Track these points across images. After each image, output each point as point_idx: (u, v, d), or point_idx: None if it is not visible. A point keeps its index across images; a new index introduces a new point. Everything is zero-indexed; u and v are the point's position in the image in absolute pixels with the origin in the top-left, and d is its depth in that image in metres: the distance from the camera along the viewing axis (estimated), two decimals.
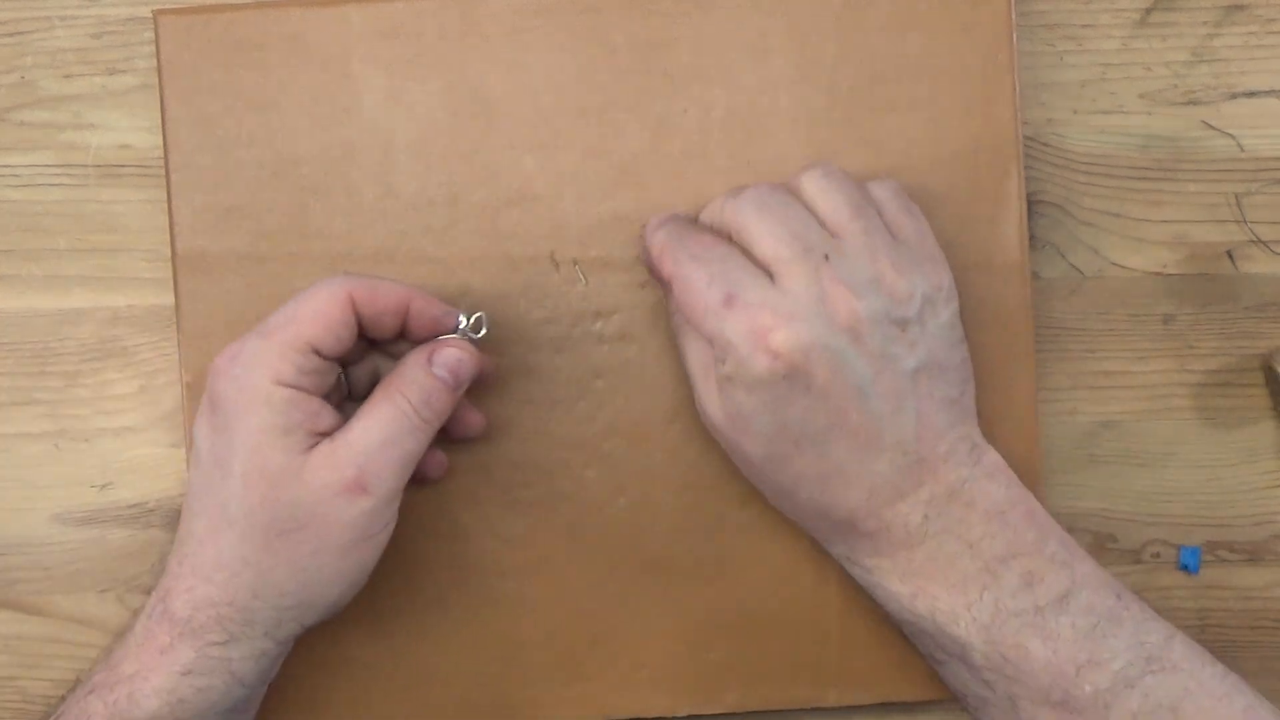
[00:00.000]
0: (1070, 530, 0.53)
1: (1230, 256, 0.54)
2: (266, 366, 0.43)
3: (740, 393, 0.45)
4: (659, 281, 0.48)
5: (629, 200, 0.51)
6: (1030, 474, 0.50)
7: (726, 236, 0.47)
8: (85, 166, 0.54)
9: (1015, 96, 0.51)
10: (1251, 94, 0.54)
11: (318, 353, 0.44)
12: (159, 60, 0.50)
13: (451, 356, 0.46)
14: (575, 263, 0.51)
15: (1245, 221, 0.54)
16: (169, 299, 0.53)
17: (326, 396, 0.46)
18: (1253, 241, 0.54)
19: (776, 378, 0.44)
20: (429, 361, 0.46)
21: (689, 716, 0.52)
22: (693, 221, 0.49)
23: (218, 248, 0.50)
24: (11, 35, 0.54)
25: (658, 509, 0.51)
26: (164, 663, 0.44)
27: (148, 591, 0.53)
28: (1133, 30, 0.54)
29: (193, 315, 0.50)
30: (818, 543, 0.49)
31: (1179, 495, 0.54)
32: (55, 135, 0.54)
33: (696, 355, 0.47)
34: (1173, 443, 0.54)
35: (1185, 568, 0.54)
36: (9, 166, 0.54)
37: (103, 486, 0.54)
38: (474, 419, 0.50)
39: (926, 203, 0.50)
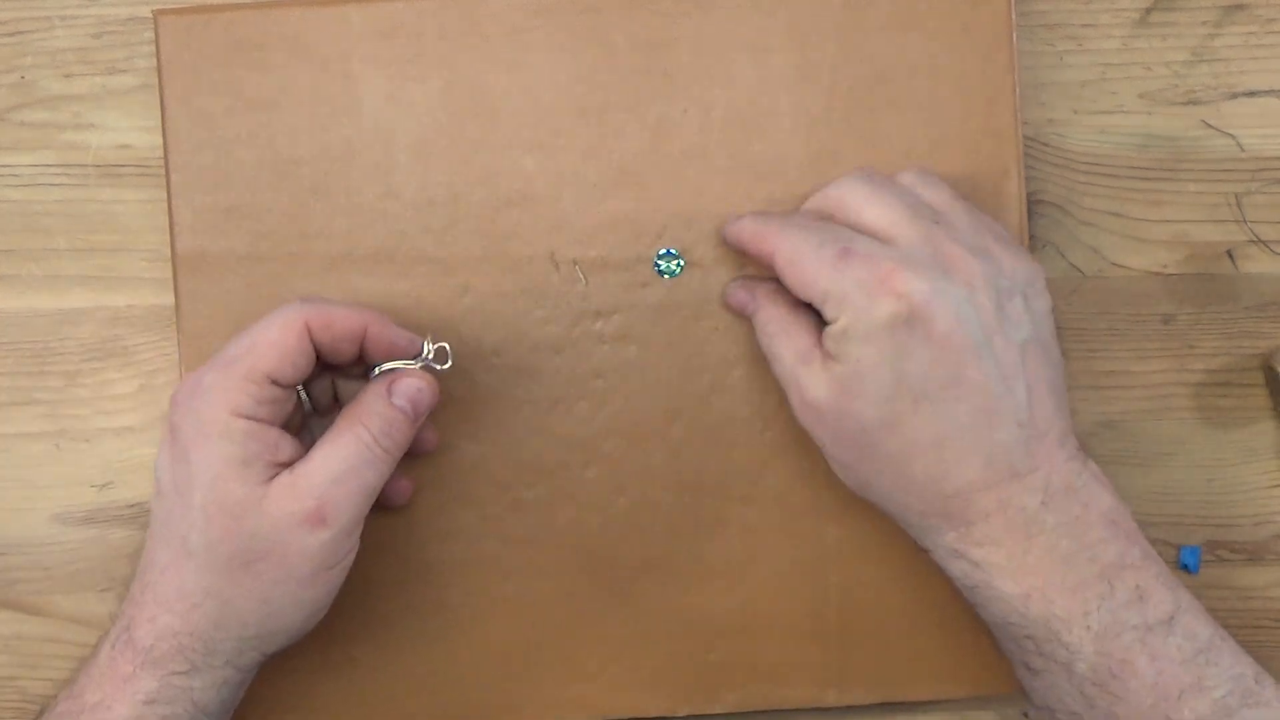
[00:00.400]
0: None
1: (1230, 256, 0.54)
2: (224, 399, 0.43)
3: (857, 346, 0.44)
4: (758, 261, 0.48)
5: (629, 200, 0.51)
6: None
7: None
8: (85, 166, 0.54)
9: (1015, 96, 0.50)
10: (1251, 94, 0.54)
11: (275, 383, 0.44)
12: (159, 60, 0.50)
13: (411, 387, 0.46)
14: (575, 263, 0.51)
15: (1245, 221, 0.54)
16: (169, 299, 0.53)
17: (288, 419, 0.46)
18: (1253, 241, 0.54)
19: (899, 322, 0.43)
20: (389, 392, 0.46)
21: (689, 716, 0.52)
22: None
23: (218, 248, 0.50)
24: (11, 35, 0.54)
25: (658, 509, 0.51)
26: (127, 692, 0.44)
27: None
28: (1133, 30, 0.54)
29: (193, 315, 0.50)
30: (914, 539, 0.47)
31: (1179, 495, 0.54)
32: (55, 135, 0.54)
33: (792, 347, 0.46)
34: (1173, 443, 0.54)
35: (1185, 568, 0.54)
36: (9, 166, 0.54)
37: (103, 486, 0.54)
38: (428, 437, 0.50)
39: None
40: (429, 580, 0.51)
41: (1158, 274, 0.54)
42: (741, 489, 0.51)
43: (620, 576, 0.51)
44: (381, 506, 0.49)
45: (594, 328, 0.51)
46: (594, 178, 0.51)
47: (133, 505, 0.54)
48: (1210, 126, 0.54)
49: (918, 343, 0.43)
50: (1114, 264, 0.54)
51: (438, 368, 0.47)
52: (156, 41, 0.50)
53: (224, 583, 0.44)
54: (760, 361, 0.49)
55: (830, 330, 0.45)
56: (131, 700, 0.44)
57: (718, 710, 0.52)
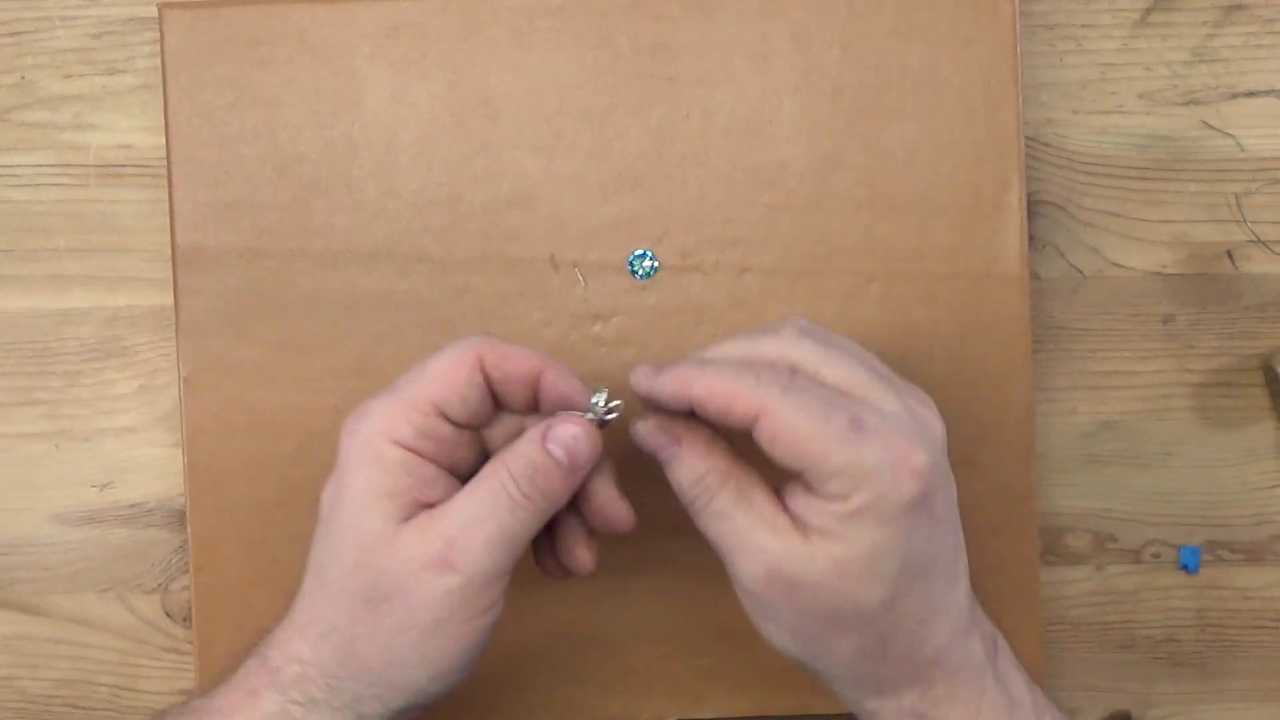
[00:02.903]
0: (1070, 530, 0.54)
1: (1230, 256, 0.54)
2: (385, 425, 0.42)
3: (874, 528, 0.40)
4: (718, 420, 0.42)
5: (630, 203, 0.51)
6: (1025, 483, 0.50)
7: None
8: (85, 166, 0.54)
9: (1018, 107, 0.50)
10: (1251, 94, 0.54)
11: (445, 416, 0.42)
12: (163, 54, 0.50)
13: (565, 433, 0.42)
14: (575, 265, 0.51)
15: (1245, 221, 0.54)
16: (169, 299, 0.53)
17: (458, 464, 0.44)
18: (1253, 241, 0.54)
19: (917, 503, 0.40)
20: (543, 436, 0.42)
21: None
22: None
23: (218, 243, 0.50)
24: (11, 35, 0.54)
25: (651, 513, 0.51)
26: (250, 704, 0.43)
27: (148, 591, 0.54)
28: (1133, 30, 0.54)
29: (191, 310, 0.50)
30: (851, 702, 0.45)
31: (1179, 495, 0.54)
32: (55, 135, 0.54)
33: (751, 510, 0.42)
34: (1173, 443, 0.54)
35: (1185, 568, 0.54)
36: (9, 166, 0.54)
37: (103, 486, 0.54)
38: (618, 513, 0.45)
39: (927, 211, 0.50)
40: None
41: (1158, 274, 0.54)
42: None
43: (612, 580, 0.51)
44: (559, 572, 0.46)
45: (592, 330, 0.51)
46: (595, 180, 0.51)
47: (133, 505, 0.54)
48: (1210, 127, 0.54)
49: (924, 521, 0.41)
50: (1114, 264, 0.54)
51: (606, 420, 0.43)
52: (161, 35, 0.50)
53: (348, 619, 0.42)
54: None
55: (835, 509, 0.40)
56: (250, 714, 0.43)
57: (707, 715, 0.52)
